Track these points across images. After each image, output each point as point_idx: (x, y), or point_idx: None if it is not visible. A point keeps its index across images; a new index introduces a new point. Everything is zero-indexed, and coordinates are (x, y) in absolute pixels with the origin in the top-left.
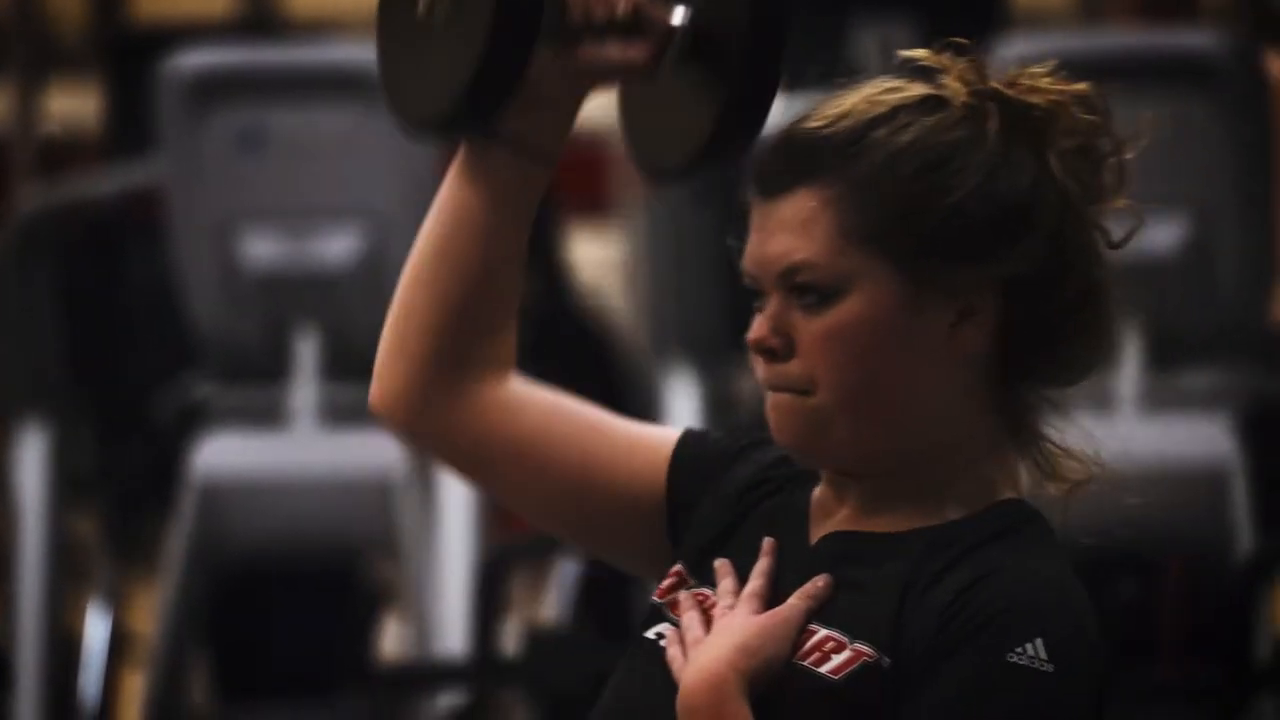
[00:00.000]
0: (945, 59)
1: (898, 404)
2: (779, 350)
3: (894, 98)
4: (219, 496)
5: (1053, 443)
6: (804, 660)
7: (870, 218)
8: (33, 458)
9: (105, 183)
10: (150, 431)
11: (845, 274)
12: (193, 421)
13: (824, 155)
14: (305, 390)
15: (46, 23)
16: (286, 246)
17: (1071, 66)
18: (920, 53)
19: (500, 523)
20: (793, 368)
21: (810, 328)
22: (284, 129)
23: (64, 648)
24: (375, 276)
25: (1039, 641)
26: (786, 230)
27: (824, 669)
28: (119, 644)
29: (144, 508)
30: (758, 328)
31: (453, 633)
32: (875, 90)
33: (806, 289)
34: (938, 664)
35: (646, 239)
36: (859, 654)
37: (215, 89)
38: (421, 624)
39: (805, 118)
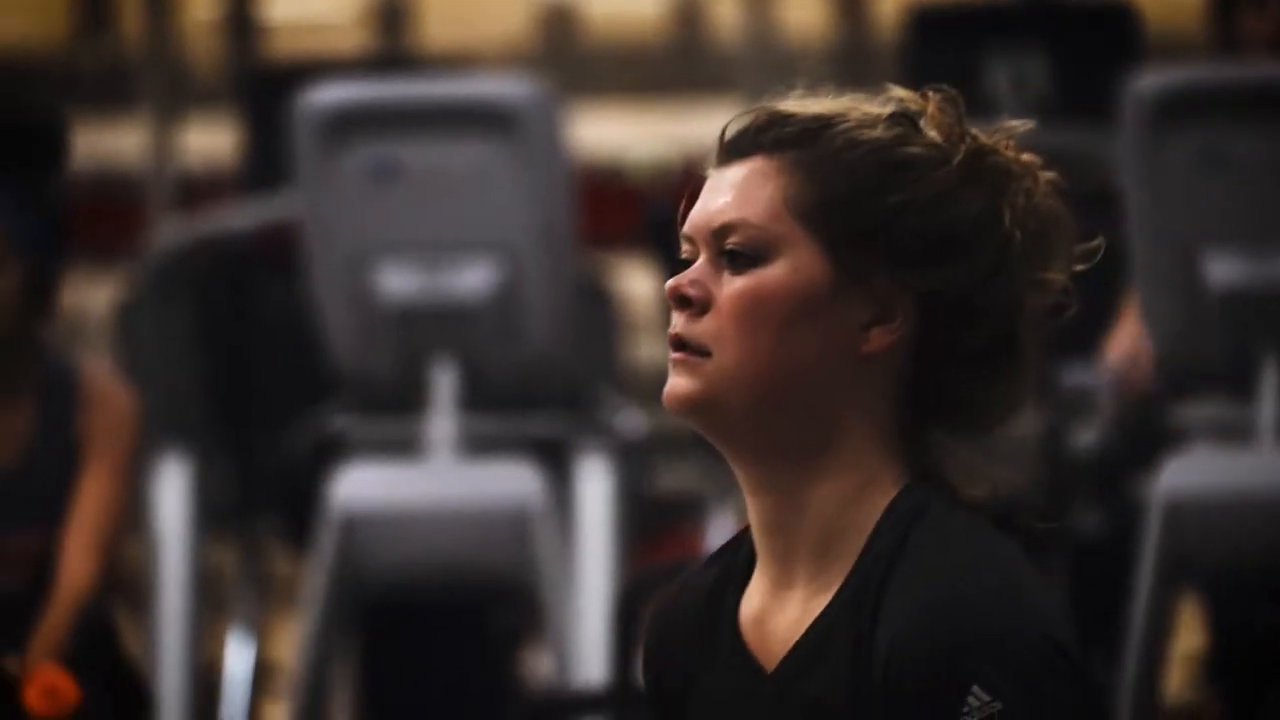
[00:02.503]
0: (926, 99)
1: (792, 382)
2: (694, 300)
3: (871, 106)
4: (357, 527)
5: (951, 470)
6: None
7: (814, 194)
8: (173, 490)
9: (241, 218)
10: (288, 463)
11: (774, 240)
12: (330, 453)
13: (786, 130)
14: (442, 421)
15: (181, 59)
16: (422, 279)
17: (1206, 96)
18: (903, 92)
19: (639, 551)
20: (702, 325)
21: (730, 286)
22: (418, 163)
23: (205, 679)
24: (510, 308)
25: (975, 688)
26: (732, 191)
27: None
28: (260, 675)
29: (283, 539)
30: (678, 278)
31: (592, 661)
32: (852, 98)
33: (736, 252)
34: None
35: None
36: None
37: (350, 123)
38: (561, 653)
39: (778, 102)
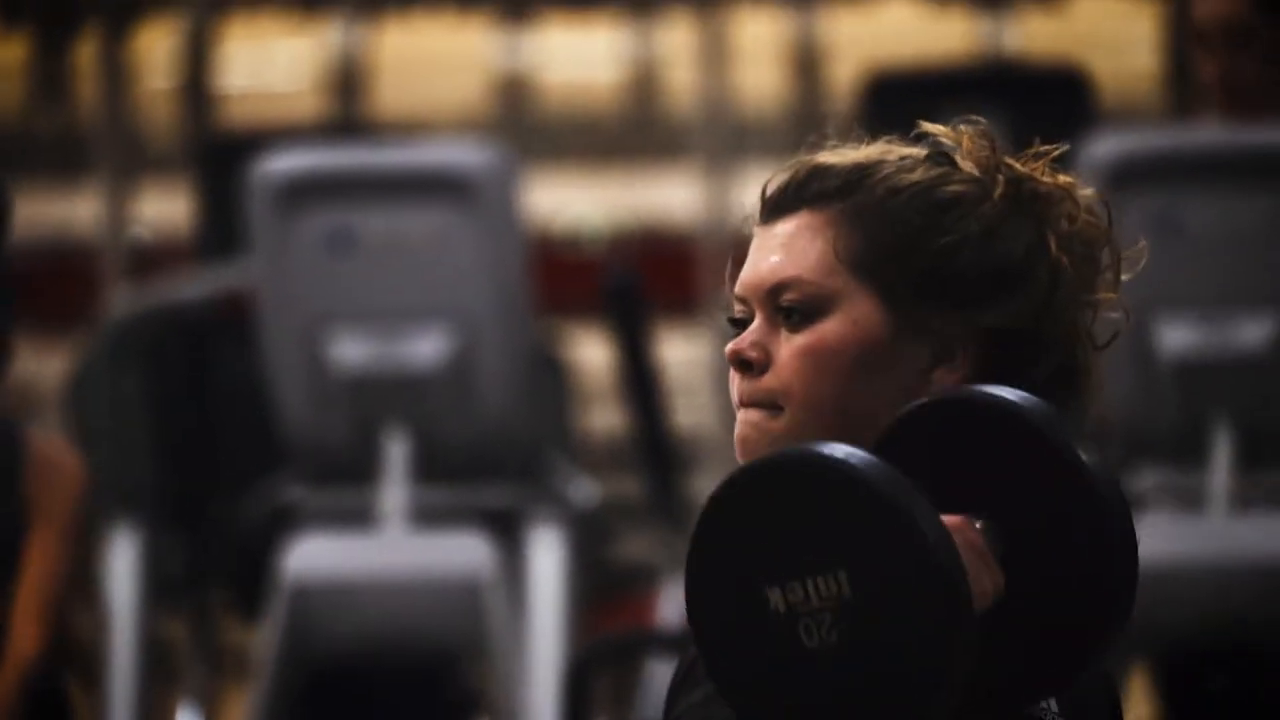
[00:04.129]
0: (959, 133)
1: (862, 432)
2: (755, 363)
3: (906, 149)
4: (309, 598)
5: None
6: None
7: (865, 244)
8: (124, 561)
9: (195, 286)
10: (240, 534)
11: (831, 294)
12: (282, 524)
13: (828, 183)
14: (394, 492)
15: (136, 127)
16: (375, 348)
17: (1161, 162)
18: (935, 127)
19: (588, 623)
20: (766, 382)
21: (789, 343)
22: (372, 231)
23: None
24: (463, 378)
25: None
26: (781, 250)
27: None
28: None
29: (234, 610)
30: (737, 341)
31: None
32: (887, 142)
33: (792, 308)
34: None
35: None
36: None
37: (305, 192)
38: None
39: (814, 155)
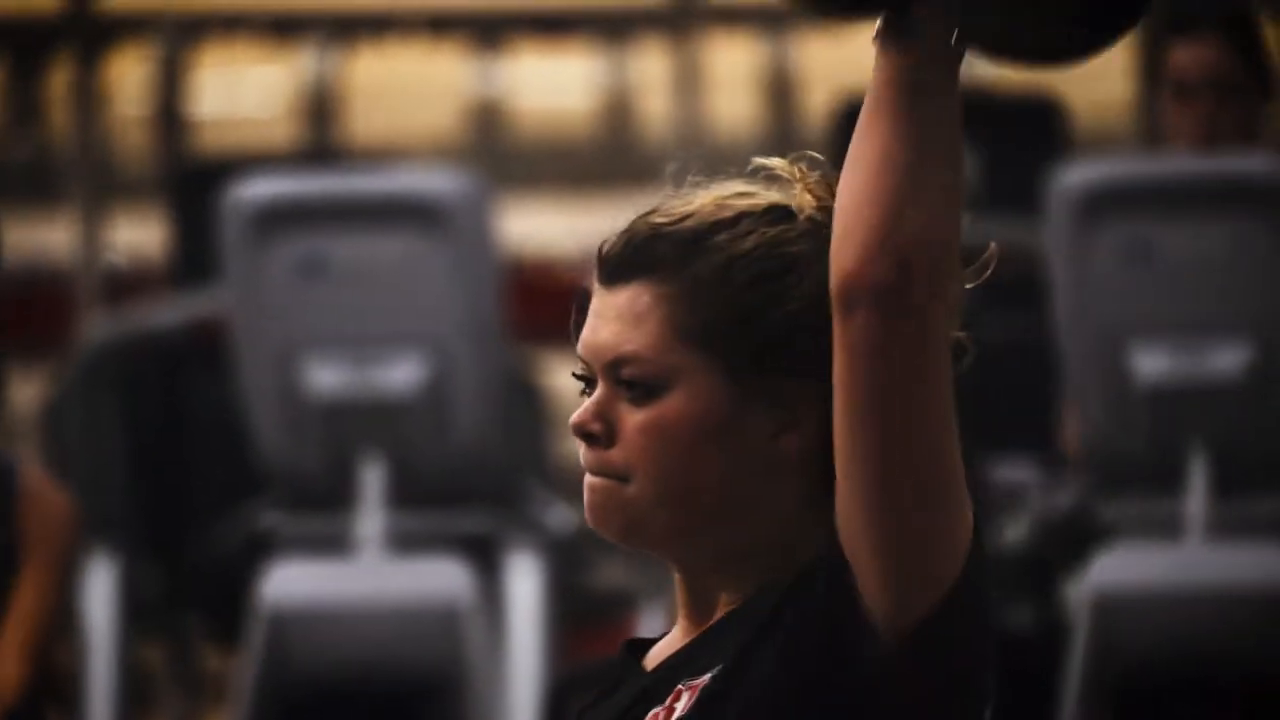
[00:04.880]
0: (798, 170)
1: (714, 501)
2: (600, 436)
3: (742, 203)
4: (286, 625)
5: None
6: None
7: (701, 319)
8: (101, 588)
9: (169, 312)
10: (217, 560)
11: (670, 370)
12: (259, 550)
13: (664, 252)
14: (371, 518)
15: (109, 153)
16: (349, 374)
17: (1133, 190)
18: (775, 161)
19: (566, 649)
20: (613, 455)
21: (632, 419)
22: (346, 257)
23: None
24: (438, 403)
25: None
26: (619, 321)
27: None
28: None
29: (212, 637)
30: (581, 413)
31: None
32: (724, 193)
33: (632, 382)
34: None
35: None
36: (695, 687)
37: (278, 218)
38: None
39: (652, 212)
